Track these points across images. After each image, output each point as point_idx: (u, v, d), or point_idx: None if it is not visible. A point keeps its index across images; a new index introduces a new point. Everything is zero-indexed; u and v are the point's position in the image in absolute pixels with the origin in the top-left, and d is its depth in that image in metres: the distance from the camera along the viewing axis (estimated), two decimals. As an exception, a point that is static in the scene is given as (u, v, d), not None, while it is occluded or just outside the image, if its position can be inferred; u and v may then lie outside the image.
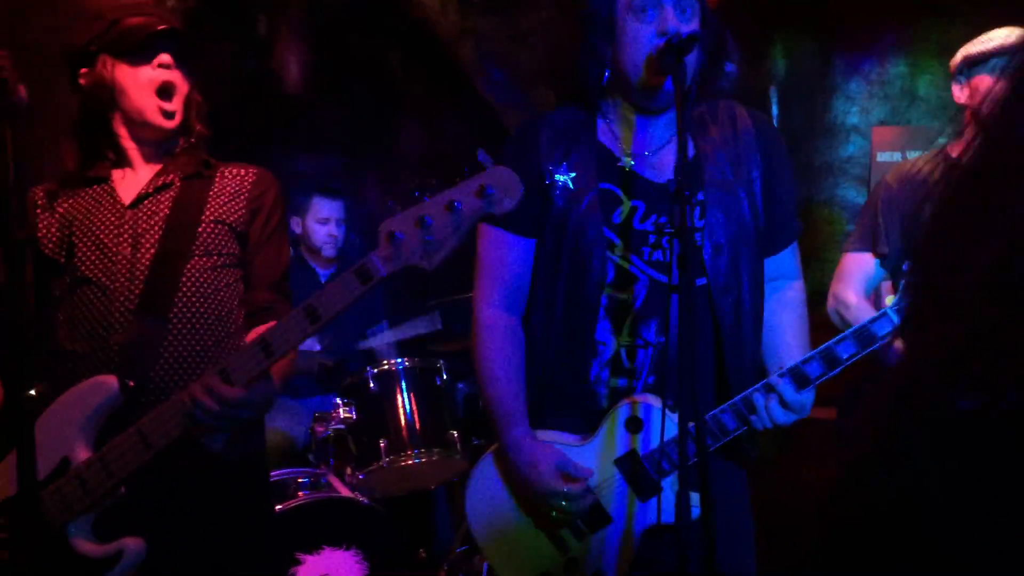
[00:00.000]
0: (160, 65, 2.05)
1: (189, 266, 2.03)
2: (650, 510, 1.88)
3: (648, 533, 1.88)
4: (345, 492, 3.31)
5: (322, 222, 4.14)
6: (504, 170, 1.59)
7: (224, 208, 2.11)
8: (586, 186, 1.89)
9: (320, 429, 3.42)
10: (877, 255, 2.60)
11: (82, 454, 1.85)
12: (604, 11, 1.85)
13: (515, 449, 1.89)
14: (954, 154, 2.45)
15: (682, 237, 1.60)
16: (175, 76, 2.07)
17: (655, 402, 1.86)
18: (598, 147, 1.92)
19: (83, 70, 2.08)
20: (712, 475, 1.58)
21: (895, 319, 1.82)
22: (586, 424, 1.90)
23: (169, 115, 2.07)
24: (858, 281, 2.52)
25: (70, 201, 2.09)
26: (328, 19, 5.27)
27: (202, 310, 2.04)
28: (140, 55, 2.04)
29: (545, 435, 1.92)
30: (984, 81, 2.48)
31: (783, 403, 1.80)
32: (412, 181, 5.60)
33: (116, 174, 2.11)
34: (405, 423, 3.49)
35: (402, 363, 3.57)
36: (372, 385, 3.50)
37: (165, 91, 2.06)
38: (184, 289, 2.02)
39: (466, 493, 1.99)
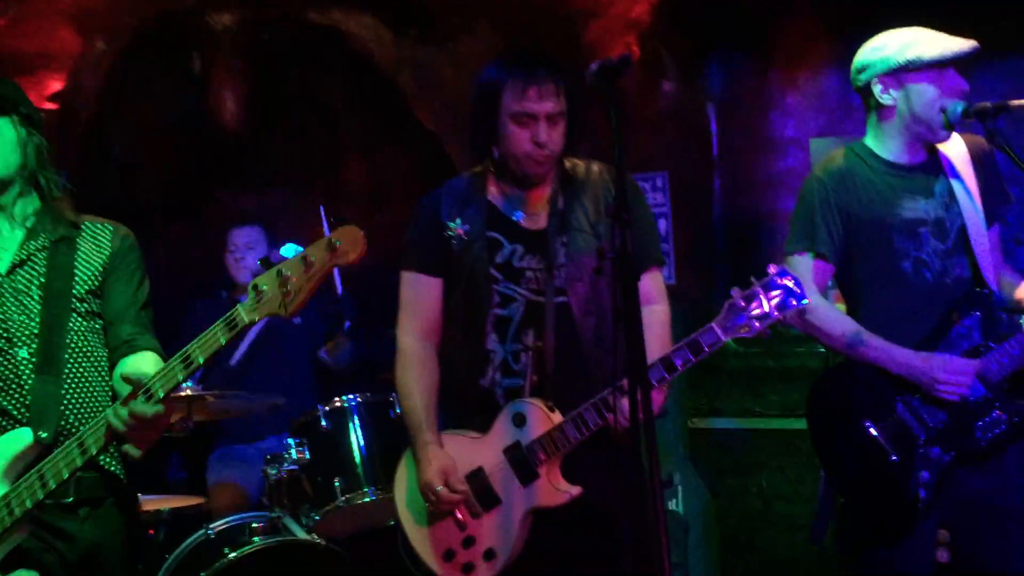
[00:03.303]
0: None
1: (71, 330, 2.18)
2: (531, 493, 2.33)
3: (535, 514, 2.33)
4: (301, 534, 3.25)
5: (232, 250, 4.13)
6: (350, 227, 1.89)
7: (91, 271, 2.23)
8: (477, 235, 2.44)
9: (272, 472, 3.35)
10: (817, 254, 2.59)
11: None
12: (490, 110, 2.37)
13: (421, 451, 2.41)
14: (871, 147, 2.44)
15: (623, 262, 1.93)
16: None
17: (538, 402, 2.35)
18: (488, 204, 2.48)
19: None
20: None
21: (719, 332, 2.19)
22: (487, 421, 2.39)
23: None
24: (808, 282, 2.52)
25: None
26: (264, 54, 5.23)
27: (91, 368, 2.20)
28: None
29: (455, 433, 2.44)
30: (926, 89, 2.49)
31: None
32: (358, 214, 5.55)
33: None
34: (360, 460, 3.44)
35: (354, 399, 3.52)
36: (324, 423, 3.45)
37: None
38: (71, 351, 2.18)
39: (394, 486, 2.51)
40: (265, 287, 1.91)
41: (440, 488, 2.34)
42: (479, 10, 4.70)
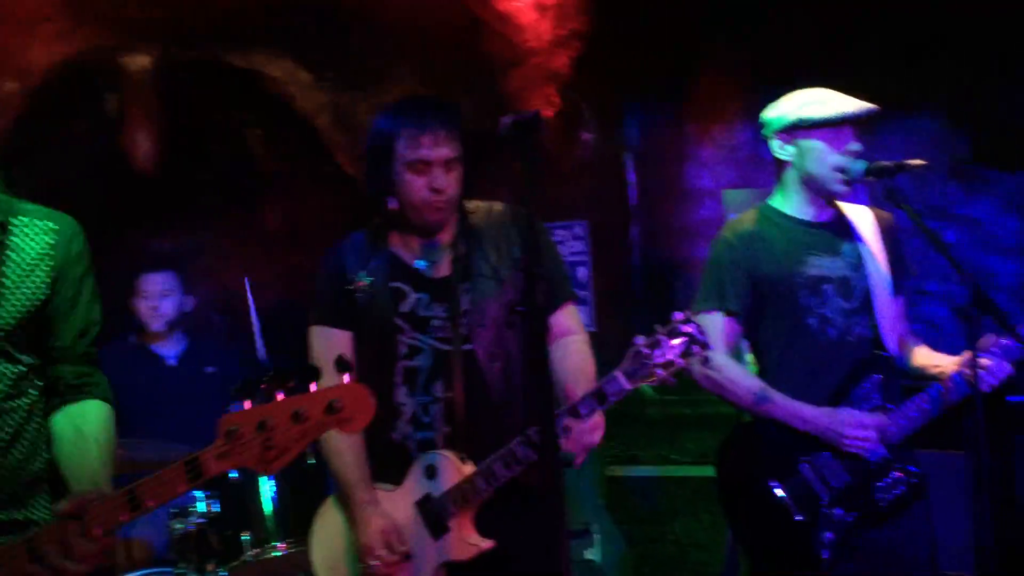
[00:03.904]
0: None
1: None
2: (443, 547, 2.31)
3: (448, 568, 2.30)
4: (208, 592, 3.15)
5: (144, 296, 4.02)
6: (355, 386, 1.62)
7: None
8: (381, 287, 2.43)
9: (178, 526, 3.24)
10: (727, 312, 2.63)
11: None
12: (385, 160, 2.36)
13: (358, 510, 2.36)
14: (776, 206, 2.54)
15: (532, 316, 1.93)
16: None
17: (449, 454, 2.33)
18: (390, 255, 2.47)
19: None
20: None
21: (623, 380, 2.16)
22: (399, 474, 2.38)
23: None
24: (717, 340, 2.56)
25: None
26: (181, 96, 5.14)
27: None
28: None
29: None
30: (817, 146, 2.57)
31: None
32: (276, 257, 5.48)
33: None
34: (270, 513, 3.35)
35: (266, 449, 3.42)
36: (233, 474, 3.35)
37: None
38: None
39: (312, 533, 2.48)
40: (242, 432, 1.59)
41: (382, 552, 2.31)
42: (399, 55, 4.71)
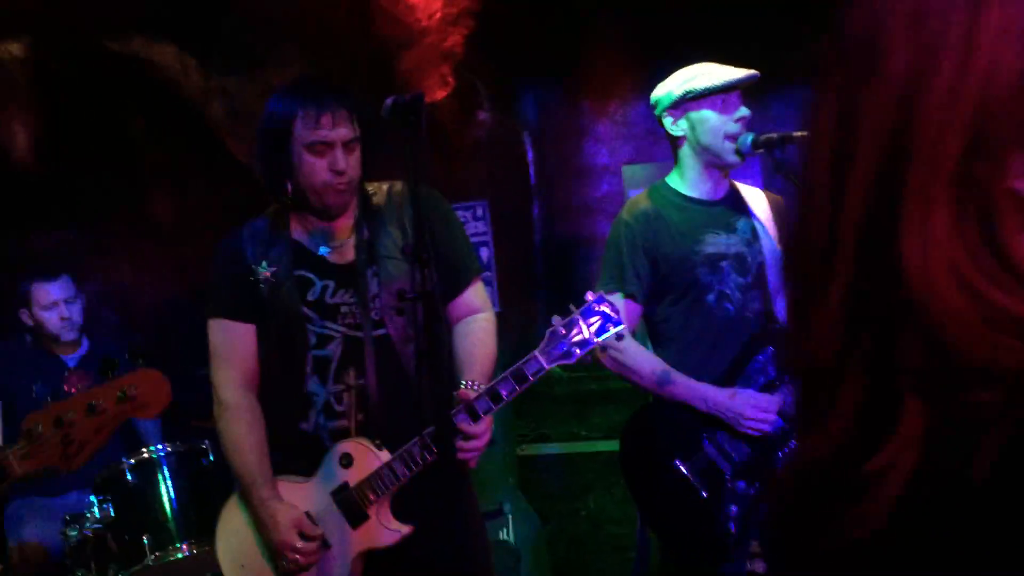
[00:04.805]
0: None
1: None
2: (361, 535, 2.28)
3: (365, 557, 2.28)
4: (108, 598, 3.03)
5: (48, 308, 3.78)
6: (148, 372, 1.76)
7: None
8: (285, 275, 2.35)
9: (73, 533, 3.11)
10: (627, 294, 2.65)
11: None
12: (282, 143, 2.28)
13: (260, 508, 2.29)
14: (673, 185, 2.56)
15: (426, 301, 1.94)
16: None
17: (364, 441, 2.29)
18: (293, 242, 2.39)
19: None
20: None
21: (542, 360, 2.18)
22: (312, 465, 2.33)
23: None
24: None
25: None
26: (59, 85, 4.91)
27: None
28: None
29: (278, 478, 2.33)
30: (707, 116, 2.60)
31: (463, 436, 2.21)
32: (164, 248, 5.30)
33: None
34: (171, 514, 3.24)
35: (163, 449, 3.31)
36: (130, 477, 3.22)
37: None
38: None
39: (216, 532, 2.40)
40: (41, 431, 1.66)
41: (300, 544, 2.25)
42: (287, 37, 4.59)
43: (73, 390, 3.76)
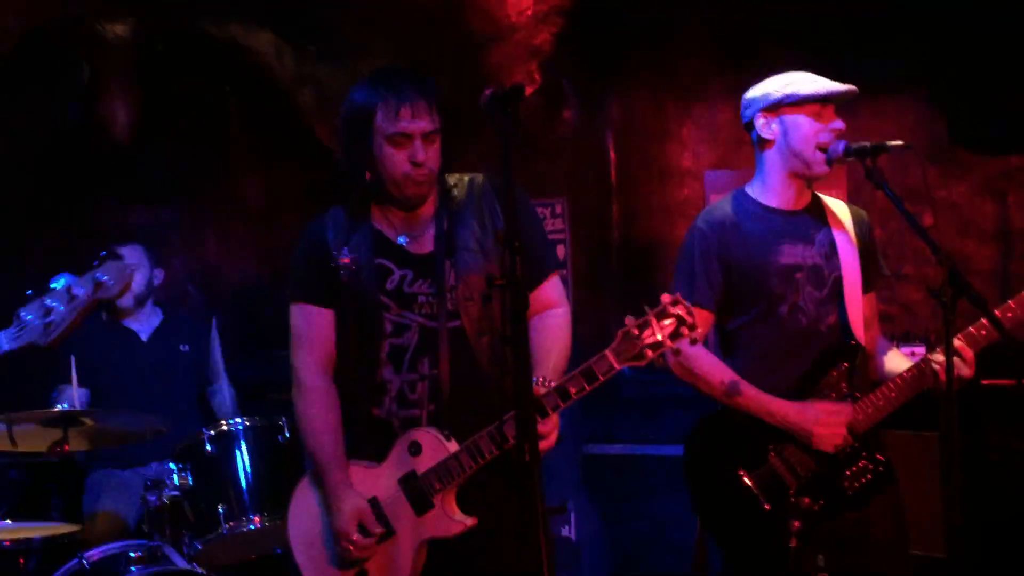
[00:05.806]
0: None
1: None
2: (425, 524, 2.30)
3: (430, 545, 2.30)
4: (182, 564, 3.13)
5: None
6: (116, 264, 2.02)
7: None
8: (365, 263, 2.39)
9: (152, 498, 3.22)
10: (698, 303, 2.62)
11: None
12: (363, 134, 2.31)
13: (332, 492, 2.35)
14: (751, 194, 2.54)
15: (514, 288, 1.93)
16: None
17: (433, 431, 2.31)
18: (373, 231, 2.42)
19: None
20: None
21: (613, 360, 2.15)
22: (382, 450, 2.36)
23: None
24: None
25: None
26: (158, 66, 5.07)
27: None
28: None
29: (350, 463, 2.37)
30: (802, 122, 2.58)
31: None
32: (252, 230, 5.44)
33: None
34: (246, 486, 3.33)
35: (241, 423, 3.41)
36: (209, 447, 3.33)
37: None
38: None
39: (289, 509, 2.45)
40: (28, 316, 1.97)
41: (356, 537, 2.29)
42: (380, 29, 4.67)
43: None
